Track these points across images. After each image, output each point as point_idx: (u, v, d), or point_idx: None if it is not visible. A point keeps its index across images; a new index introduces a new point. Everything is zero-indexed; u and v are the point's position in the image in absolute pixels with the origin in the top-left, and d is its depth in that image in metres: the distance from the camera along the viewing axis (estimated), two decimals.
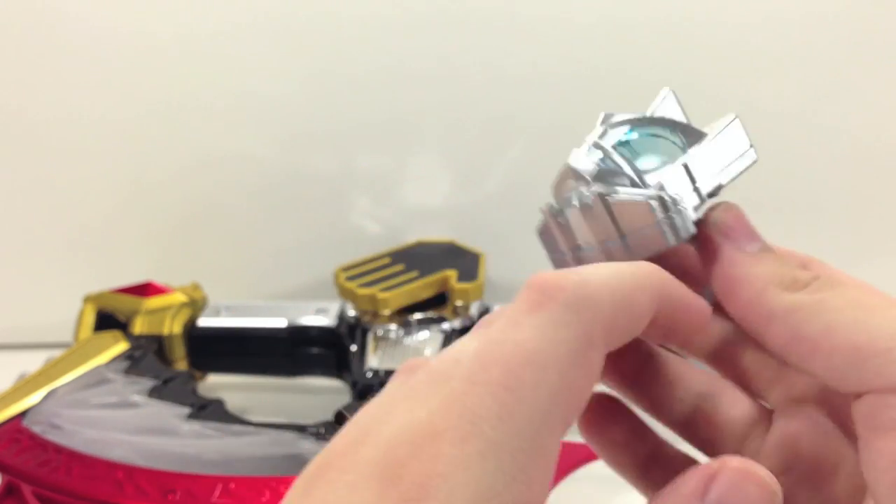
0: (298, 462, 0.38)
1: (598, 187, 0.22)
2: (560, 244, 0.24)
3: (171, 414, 0.41)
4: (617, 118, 0.23)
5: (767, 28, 0.55)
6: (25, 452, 0.38)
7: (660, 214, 0.21)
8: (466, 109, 0.58)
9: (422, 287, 0.52)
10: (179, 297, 0.52)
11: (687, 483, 0.17)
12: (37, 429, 0.40)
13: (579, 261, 0.23)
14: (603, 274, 0.18)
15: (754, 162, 0.23)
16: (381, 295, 0.50)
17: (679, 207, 0.21)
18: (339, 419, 0.41)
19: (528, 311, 0.17)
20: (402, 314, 0.51)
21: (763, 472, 0.17)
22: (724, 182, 0.22)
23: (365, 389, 0.46)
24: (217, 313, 0.52)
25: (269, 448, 0.39)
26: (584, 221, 0.22)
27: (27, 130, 0.59)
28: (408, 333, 0.50)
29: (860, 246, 0.60)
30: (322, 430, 0.40)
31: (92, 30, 0.57)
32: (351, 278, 0.52)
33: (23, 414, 0.41)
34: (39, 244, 0.62)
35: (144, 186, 0.60)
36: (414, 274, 0.52)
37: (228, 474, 0.37)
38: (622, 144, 0.23)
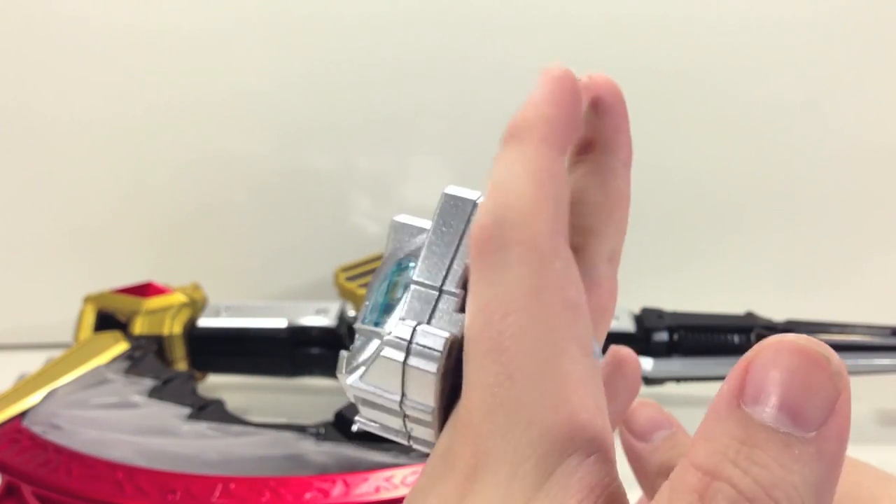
0: (298, 462, 0.38)
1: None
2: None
3: (171, 414, 0.41)
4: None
5: (771, 26, 0.55)
6: (25, 453, 0.38)
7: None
8: (467, 108, 0.58)
9: None
10: (179, 298, 0.52)
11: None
12: (37, 429, 0.40)
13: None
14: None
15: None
16: None
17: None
18: (339, 419, 0.41)
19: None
20: None
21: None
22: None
23: None
24: (217, 313, 0.52)
25: (269, 448, 0.39)
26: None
27: (27, 130, 0.59)
28: None
29: (861, 245, 0.60)
30: (322, 431, 0.40)
31: (91, 30, 0.56)
32: (351, 278, 0.52)
33: (23, 414, 0.41)
34: (39, 244, 0.61)
35: (144, 186, 0.60)
36: None
37: (228, 474, 0.37)
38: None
